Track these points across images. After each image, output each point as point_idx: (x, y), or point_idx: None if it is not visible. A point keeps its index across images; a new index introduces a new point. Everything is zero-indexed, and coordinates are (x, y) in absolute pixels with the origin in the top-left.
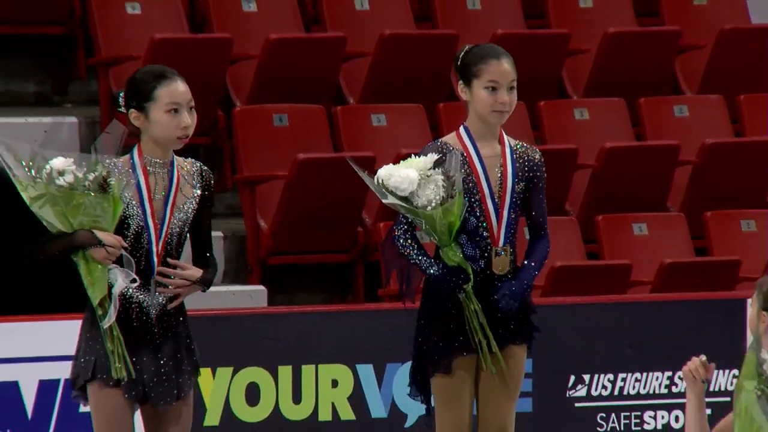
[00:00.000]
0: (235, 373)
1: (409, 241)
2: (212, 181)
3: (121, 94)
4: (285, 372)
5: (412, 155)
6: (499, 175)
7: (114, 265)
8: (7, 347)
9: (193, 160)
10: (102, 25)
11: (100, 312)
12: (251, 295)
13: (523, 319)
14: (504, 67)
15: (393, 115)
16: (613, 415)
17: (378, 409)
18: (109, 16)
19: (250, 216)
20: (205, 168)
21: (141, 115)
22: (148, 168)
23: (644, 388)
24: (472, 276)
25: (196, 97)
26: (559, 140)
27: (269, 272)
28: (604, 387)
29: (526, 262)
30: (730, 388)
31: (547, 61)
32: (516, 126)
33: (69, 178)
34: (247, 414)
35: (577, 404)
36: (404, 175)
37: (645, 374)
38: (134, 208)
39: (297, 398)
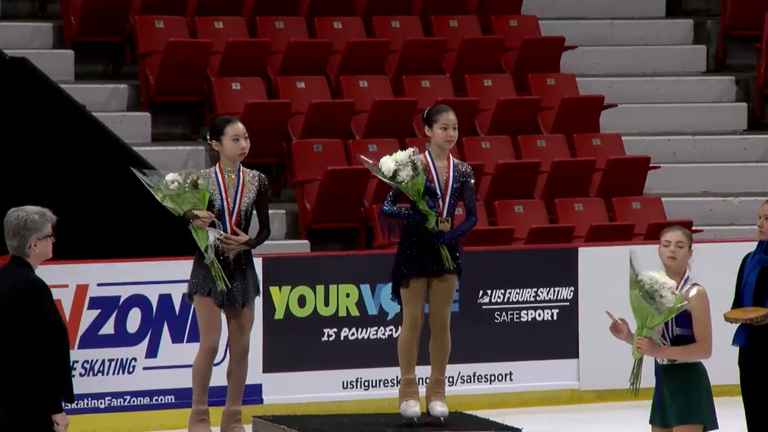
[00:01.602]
0: (292, 288)
1: (392, 206)
2: (266, 182)
3: (208, 134)
4: (320, 288)
5: (399, 150)
6: (445, 178)
7: (208, 228)
8: (139, 273)
9: (255, 171)
10: (219, 95)
11: (205, 253)
12: (301, 246)
13: (454, 258)
14: (451, 116)
15: (380, 145)
16: (504, 313)
17: (372, 310)
18: (223, 90)
19: (301, 201)
20: (262, 175)
21: (218, 143)
22: (224, 174)
23: (521, 296)
24: (434, 214)
25: (270, 136)
26: (473, 159)
27: (311, 233)
28: (499, 296)
29: (456, 227)
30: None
31: (467, 116)
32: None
33: (175, 185)
34: (299, 312)
35: (484, 307)
36: (388, 165)
37: (521, 289)
38: (215, 197)
39: (326, 303)
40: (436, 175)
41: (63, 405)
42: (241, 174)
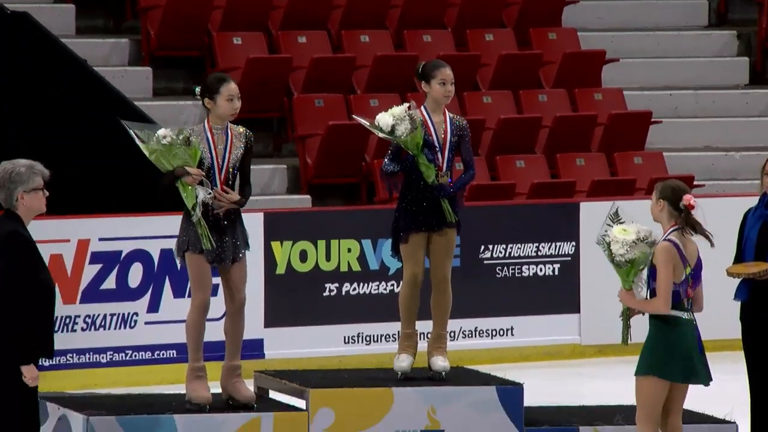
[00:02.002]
0: (293, 243)
1: (392, 160)
2: (252, 139)
3: (197, 89)
4: (321, 243)
5: (395, 106)
6: (442, 132)
7: (198, 186)
8: (141, 228)
9: (241, 126)
10: (220, 50)
11: (192, 211)
12: (303, 201)
13: (455, 211)
14: (448, 71)
15: (382, 99)
16: (505, 267)
17: (373, 264)
18: (224, 45)
19: (302, 156)
20: (249, 131)
21: (211, 101)
22: (214, 131)
23: (522, 251)
24: (434, 168)
25: (271, 91)
26: (474, 114)
27: (312, 188)
28: (500, 251)
29: (455, 180)
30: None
31: (468, 71)
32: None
33: (168, 139)
34: (300, 267)
35: (485, 262)
36: (385, 121)
37: (522, 244)
38: (205, 154)
39: (328, 258)
40: (434, 130)
41: (40, 360)
42: (229, 131)
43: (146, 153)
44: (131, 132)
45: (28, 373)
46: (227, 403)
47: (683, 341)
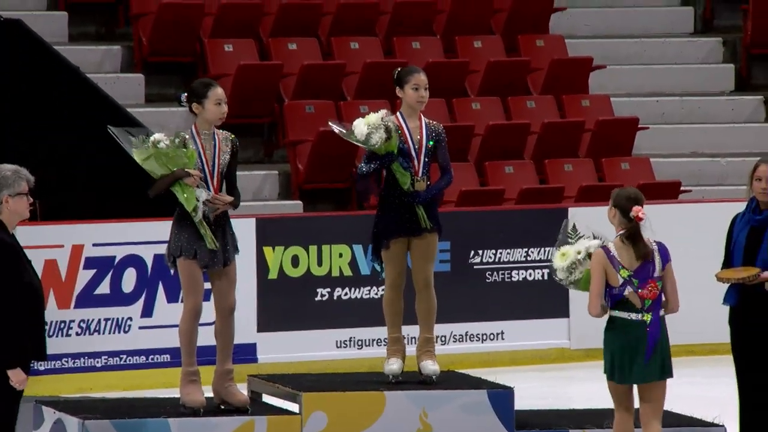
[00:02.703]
0: (285, 249)
1: (367, 162)
2: (237, 144)
3: (183, 95)
4: (313, 248)
5: (371, 113)
6: (418, 137)
7: (196, 187)
8: (134, 233)
9: (226, 131)
10: (212, 56)
11: (193, 213)
12: (294, 207)
13: (432, 216)
14: (422, 77)
15: (371, 106)
16: (495, 272)
17: (365, 269)
18: (216, 51)
19: (293, 162)
20: (233, 136)
21: (199, 106)
22: (202, 136)
23: (512, 257)
24: (409, 175)
25: (262, 98)
26: (463, 120)
27: (304, 194)
28: (490, 257)
29: (431, 185)
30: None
31: (457, 77)
32: (440, 113)
33: (166, 142)
34: (292, 272)
35: (475, 267)
36: (360, 129)
37: (512, 249)
38: (196, 159)
39: (320, 263)
40: (409, 136)
41: (36, 363)
42: (216, 136)
43: (138, 159)
44: (119, 140)
45: (15, 377)
46: (219, 408)
47: (614, 341)
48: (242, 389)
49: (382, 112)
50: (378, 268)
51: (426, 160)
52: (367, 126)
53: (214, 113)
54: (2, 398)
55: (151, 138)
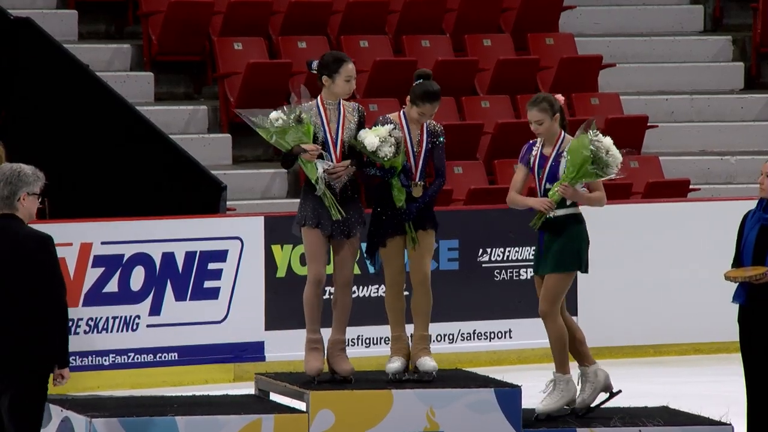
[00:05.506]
0: (294, 247)
1: (370, 170)
2: (364, 113)
3: (313, 64)
4: None
5: (378, 124)
6: (417, 140)
7: (317, 160)
8: (143, 232)
9: (354, 102)
10: (221, 54)
11: (316, 185)
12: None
13: (428, 216)
14: (351, 65)
15: (381, 104)
16: (503, 271)
17: (372, 268)
18: (225, 50)
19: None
20: (361, 107)
21: (329, 80)
22: (327, 107)
23: (520, 255)
24: (405, 192)
25: (272, 96)
26: (472, 119)
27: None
28: (498, 255)
29: (424, 192)
30: None
31: (466, 75)
32: (450, 111)
33: (280, 122)
34: (300, 270)
35: (483, 265)
36: (371, 140)
37: (520, 248)
38: (318, 130)
39: (327, 261)
40: (410, 139)
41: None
42: (341, 107)
43: (265, 137)
44: (247, 120)
45: (67, 374)
46: (332, 376)
47: (587, 235)
48: (250, 387)
49: (389, 126)
50: (371, 265)
51: (424, 164)
52: (378, 138)
53: (343, 89)
54: (39, 400)
55: (269, 117)
